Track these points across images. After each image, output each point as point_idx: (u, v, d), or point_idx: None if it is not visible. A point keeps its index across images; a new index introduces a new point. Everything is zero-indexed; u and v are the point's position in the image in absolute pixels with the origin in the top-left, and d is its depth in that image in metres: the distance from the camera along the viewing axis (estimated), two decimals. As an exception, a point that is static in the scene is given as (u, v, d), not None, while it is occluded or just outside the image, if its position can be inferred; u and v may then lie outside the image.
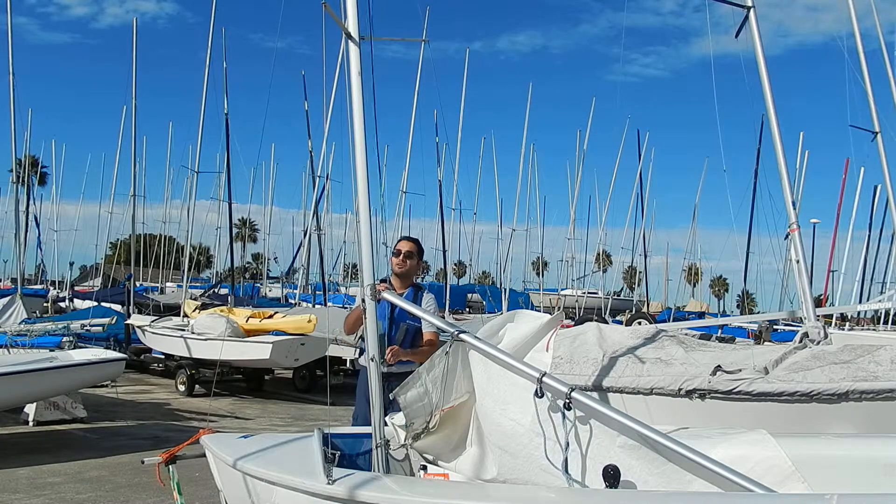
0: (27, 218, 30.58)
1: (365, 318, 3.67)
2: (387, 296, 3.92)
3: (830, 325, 17.65)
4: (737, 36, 5.89)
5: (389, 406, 3.94)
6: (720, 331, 12.01)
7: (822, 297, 29.69)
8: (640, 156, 35.64)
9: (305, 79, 26.01)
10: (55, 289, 30.96)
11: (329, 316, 14.65)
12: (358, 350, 5.45)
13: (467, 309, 37.60)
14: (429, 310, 5.26)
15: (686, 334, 4.90)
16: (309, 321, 13.00)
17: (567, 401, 3.19)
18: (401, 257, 5.35)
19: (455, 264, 58.73)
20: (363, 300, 3.66)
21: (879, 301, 19.21)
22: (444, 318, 4.93)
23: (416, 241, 5.51)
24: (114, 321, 13.73)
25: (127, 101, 21.77)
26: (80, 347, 10.36)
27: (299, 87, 25.50)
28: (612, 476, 3.01)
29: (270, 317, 13.91)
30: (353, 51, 3.62)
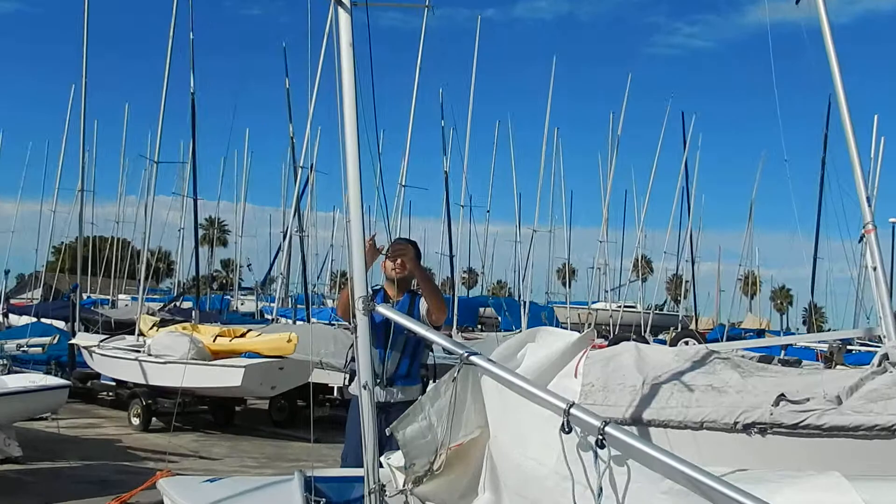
0: (-48, 218, 30.86)
1: (355, 337, 3.66)
2: (382, 309, 3.92)
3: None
4: (797, 1, 5.87)
5: (386, 443, 3.92)
6: (783, 352, 11.98)
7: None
8: (685, 143, 35.71)
9: (287, 52, 26.08)
10: (-14, 302, 31.16)
11: (313, 334, 14.66)
12: (348, 375, 5.46)
13: (479, 326, 37.60)
14: (426, 311, 5.37)
15: (742, 356, 4.87)
16: (289, 341, 13.02)
17: (600, 437, 3.17)
18: (397, 262, 5.40)
19: (464, 272, 58.95)
20: (353, 315, 3.66)
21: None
22: (450, 336, 4.94)
23: (413, 244, 5.57)
24: (56, 340, 13.76)
25: (76, 80, 21.98)
26: (15, 372, 10.36)
27: (279, 62, 25.55)
28: (654, 528, 2.98)
29: (243, 335, 13.93)
30: (344, 18, 3.61)
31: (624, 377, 4.51)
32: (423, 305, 5.38)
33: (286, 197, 40.55)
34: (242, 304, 39.30)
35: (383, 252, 5.21)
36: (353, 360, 5.02)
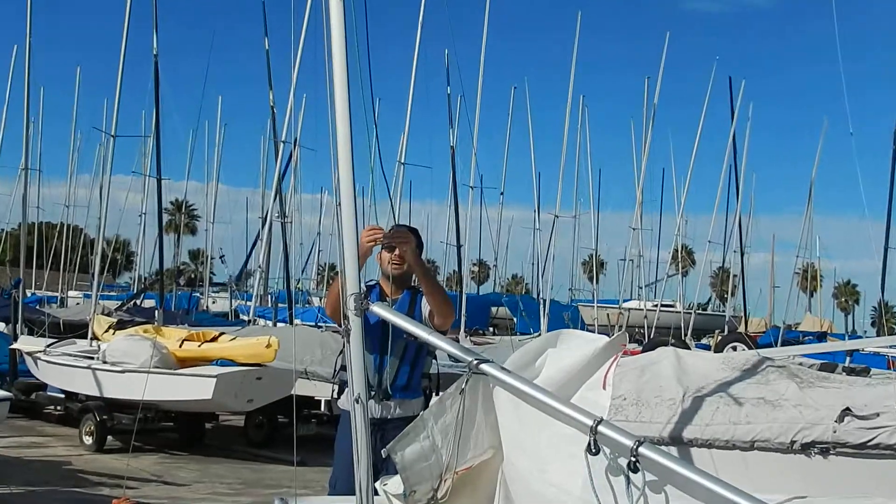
0: None
1: (346, 341, 3.67)
2: (377, 309, 3.93)
3: None
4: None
5: (382, 467, 3.94)
6: (849, 359, 11.97)
7: None
8: (732, 113, 35.55)
9: (266, 7, 26.08)
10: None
11: (297, 338, 14.68)
12: (337, 386, 5.49)
13: (491, 328, 37.60)
14: (424, 308, 5.40)
15: (801, 364, 4.87)
16: (268, 346, 13.03)
17: (633, 459, 3.19)
18: (396, 253, 5.41)
19: (474, 265, 58.84)
20: (344, 316, 3.67)
21: None
22: (457, 341, 4.95)
23: (414, 232, 5.57)
24: (-6, 346, 13.82)
25: (18, 40, 22.01)
26: (-52, 383, 10.41)
27: (257, 21, 25.54)
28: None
29: (214, 339, 13.96)
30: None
31: (661, 389, 4.52)
32: (425, 305, 5.39)
33: (265, 177, 40.53)
34: (214, 302, 39.34)
35: (379, 241, 5.20)
36: (343, 368, 5.00)
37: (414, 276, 5.61)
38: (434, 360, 5.58)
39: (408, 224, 6.03)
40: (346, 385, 4.61)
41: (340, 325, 3.76)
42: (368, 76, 3.76)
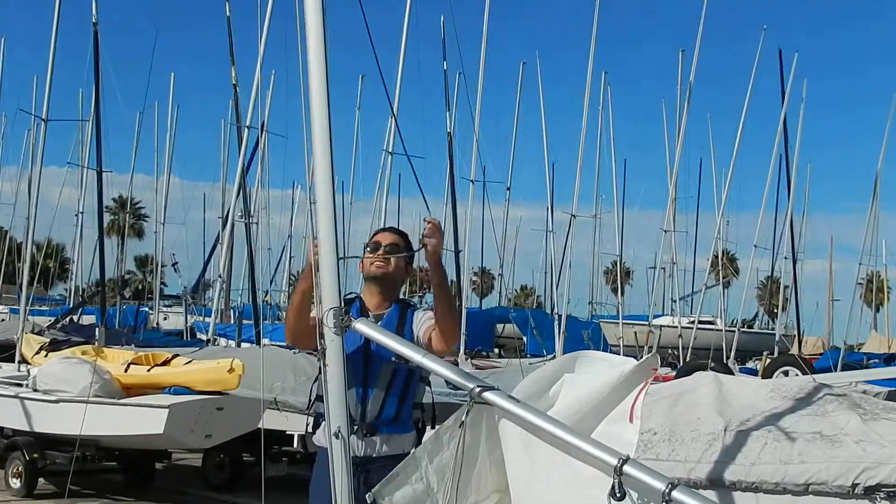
0: None
1: (323, 366, 3.66)
2: (361, 327, 3.92)
3: None
4: None
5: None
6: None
7: None
8: (783, 93, 35.60)
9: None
10: None
11: (266, 361, 14.66)
12: (313, 419, 5.49)
13: (497, 350, 37.68)
14: (421, 327, 5.39)
15: (864, 392, 4.87)
16: (231, 370, 13.02)
17: (665, 504, 3.18)
18: (380, 251, 5.45)
19: (475, 274, 59.00)
20: (321, 335, 3.67)
21: None
22: (456, 364, 4.95)
23: (403, 235, 5.66)
24: None
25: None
26: None
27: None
28: None
29: (166, 363, 13.94)
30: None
31: (698, 422, 4.51)
32: (418, 322, 5.38)
33: (227, 169, 40.74)
34: (166, 318, 39.40)
35: (367, 248, 5.22)
36: (319, 398, 5.00)
37: (402, 286, 5.62)
38: (428, 388, 5.57)
39: (395, 227, 6.03)
40: (323, 417, 4.59)
41: (317, 348, 3.75)
42: (341, 50, 3.74)
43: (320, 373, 4.73)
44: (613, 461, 3.29)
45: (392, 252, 5.49)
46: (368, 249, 5.57)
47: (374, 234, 5.66)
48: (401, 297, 5.69)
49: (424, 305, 5.85)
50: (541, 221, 38.82)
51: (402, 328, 5.36)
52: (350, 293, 5.38)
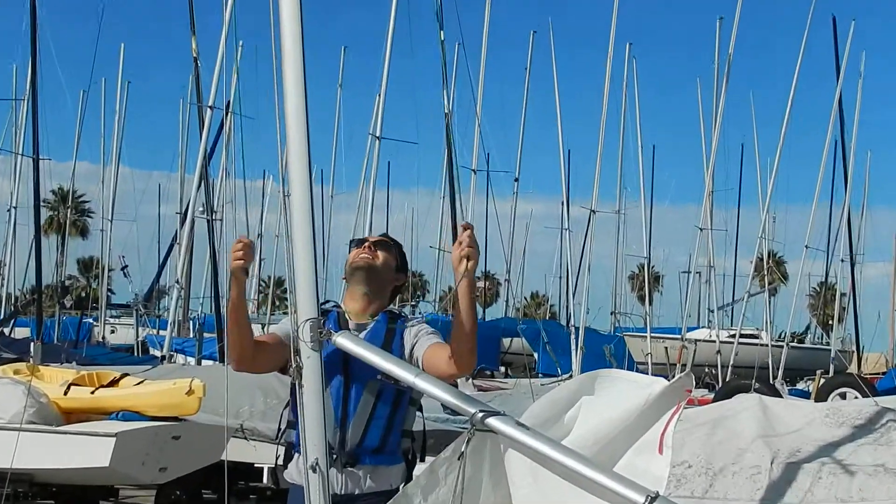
0: None
1: (299, 387, 3.68)
2: (341, 340, 3.95)
3: None
4: None
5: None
6: None
7: None
8: (837, 66, 35.50)
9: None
10: None
11: (231, 382, 14.68)
12: (284, 449, 5.52)
13: (503, 368, 37.58)
14: (427, 332, 5.39)
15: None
16: (189, 392, 13.02)
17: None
18: (365, 247, 5.54)
19: (478, 279, 58.13)
20: (296, 350, 3.70)
21: None
22: (455, 385, 4.95)
23: (398, 246, 5.74)
24: None
25: None
26: None
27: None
28: None
29: (114, 383, 13.95)
30: None
31: (740, 453, 4.54)
32: (412, 337, 5.38)
33: (186, 156, 40.71)
34: (113, 331, 39.44)
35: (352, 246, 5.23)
36: (292, 424, 5.02)
37: (390, 293, 5.63)
38: (419, 413, 5.59)
39: (387, 234, 6.04)
40: (297, 448, 4.59)
41: (289, 368, 3.77)
42: (318, 16, 3.77)
43: (292, 395, 4.77)
44: (640, 499, 3.31)
45: (381, 247, 5.54)
46: (352, 243, 5.63)
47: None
48: (390, 307, 5.69)
49: (418, 318, 5.83)
50: (555, 218, 38.85)
51: (390, 343, 5.36)
52: (327, 301, 5.40)
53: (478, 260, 4.89)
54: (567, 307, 39.11)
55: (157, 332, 30.41)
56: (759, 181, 40.86)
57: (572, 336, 30.77)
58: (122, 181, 44.92)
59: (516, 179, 39.61)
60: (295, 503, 5.17)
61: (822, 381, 28.66)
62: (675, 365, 32.73)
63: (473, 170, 31.21)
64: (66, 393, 13.54)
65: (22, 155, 23.87)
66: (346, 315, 5.43)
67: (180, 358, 24.08)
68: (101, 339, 35.13)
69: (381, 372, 4.67)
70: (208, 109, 23.36)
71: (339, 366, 5.10)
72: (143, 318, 32.56)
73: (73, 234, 67.32)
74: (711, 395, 22.67)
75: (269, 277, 49.34)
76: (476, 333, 5.16)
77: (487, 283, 58.63)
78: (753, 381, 25.45)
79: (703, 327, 42.23)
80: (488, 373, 31.95)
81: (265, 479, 14.26)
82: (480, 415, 3.61)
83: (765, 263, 40.87)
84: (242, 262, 4.83)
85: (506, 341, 38.32)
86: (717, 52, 36.65)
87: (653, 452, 4.44)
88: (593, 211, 34.38)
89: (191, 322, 31.29)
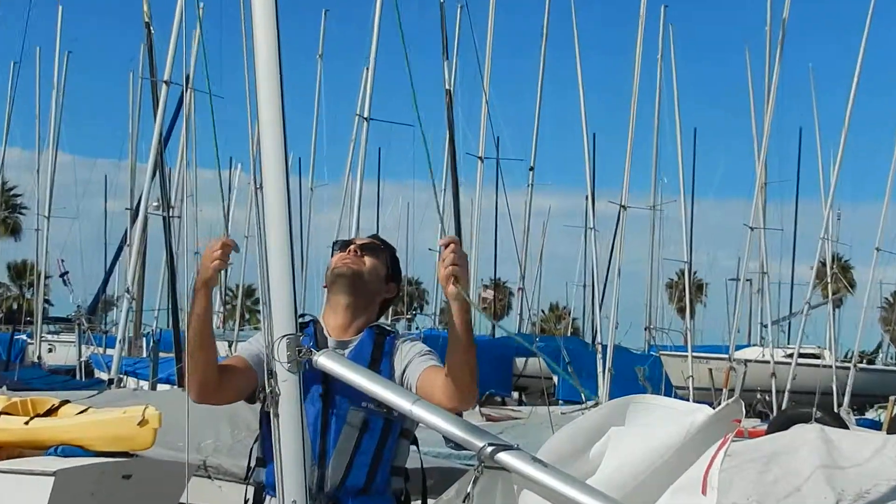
0: None
1: (273, 416, 3.67)
2: (325, 360, 3.94)
3: None
4: None
5: None
6: None
7: None
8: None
9: None
10: None
11: (191, 409, 14.67)
12: (254, 489, 5.51)
13: (516, 393, 37.64)
14: (423, 353, 5.38)
15: None
16: (142, 422, 13.03)
17: None
18: (350, 250, 5.51)
19: (486, 287, 58.64)
20: (270, 373, 3.68)
21: None
22: (460, 414, 4.94)
23: (388, 247, 5.75)
24: None
25: None
26: None
27: None
28: None
29: (52, 412, 13.98)
30: None
31: (798, 493, 4.54)
32: (403, 357, 5.35)
33: (136, 141, 40.82)
34: (51, 350, 39.52)
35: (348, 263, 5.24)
36: (263, 459, 5.06)
37: (379, 308, 5.62)
38: (416, 448, 5.58)
39: (377, 235, 6.04)
40: (269, 489, 4.59)
41: (259, 395, 3.77)
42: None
43: (262, 426, 4.76)
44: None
45: (368, 251, 5.52)
46: (336, 248, 5.60)
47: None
48: (379, 322, 5.67)
49: (412, 334, 5.83)
50: (577, 215, 39.09)
51: (377, 364, 5.34)
52: (303, 315, 5.36)
53: (468, 277, 4.88)
54: (592, 321, 39.18)
55: (104, 351, 30.39)
56: (821, 171, 41.10)
57: (599, 355, 30.83)
58: (62, 171, 45.20)
59: (531, 169, 39.85)
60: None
61: (896, 409, 28.76)
62: (722, 390, 32.82)
63: (480, 157, 31.24)
64: (-5, 423, 13.59)
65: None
66: (325, 331, 5.41)
67: (131, 382, 24.13)
68: (36, 360, 35.18)
69: (366, 398, 4.66)
70: (164, 85, 23.44)
71: (318, 391, 5.09)
72: (87, 335, 32.61)
73: (3, 234, 67.53)
74: (764, 426, 22.72)
75: (238, 286, 49.49)
76: (475, 363, 5.11)
77: (497, 292, 58.58)
78: (814, 409, 25.45)
79: (754, 345, 42.38)
80: (499, 399, 32.14)
81: (233, 524, 14.29)
82: (490, 449, 3.61)
83: (828, 269, 40.81)
84: (220, 264, 4.79)
85: (519, 362, 38.49)
86: (769, 14, 36.79)
87: (695, 494, 4.44)
88: (624, 206, 34.34)
89: (144, 339, 31.37)
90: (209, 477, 13.58)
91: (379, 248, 5.62)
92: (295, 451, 3.68)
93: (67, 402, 14.58)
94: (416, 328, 45.48)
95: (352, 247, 5.52)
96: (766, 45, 36.62)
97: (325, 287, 5.67)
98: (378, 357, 5.34)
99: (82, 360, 30.72)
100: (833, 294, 43.49)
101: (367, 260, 5.50)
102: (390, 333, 5.52)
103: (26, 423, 13.61)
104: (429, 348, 5.43)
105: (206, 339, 5.03)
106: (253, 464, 5.41)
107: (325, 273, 5.63)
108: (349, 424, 5.23)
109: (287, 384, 3.66)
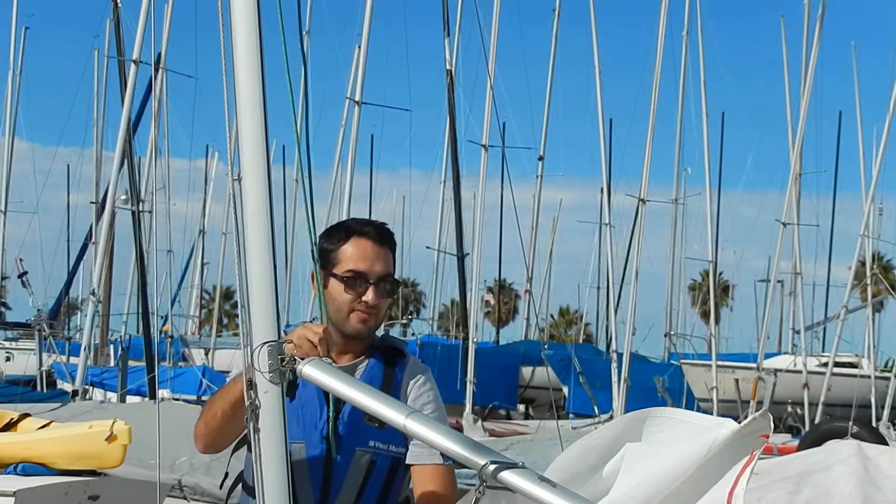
0: None
1: (252, 433, 3.67)
2: (310, 370, 3.92)
3: None
4: None
5: None
6: None
7: None
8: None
9: None
10: None
11: (163, 424, 14.70)
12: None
13: (522, 406, 37.66)
14: (428, 412, 5.25)
15: None
16: (110, 438, 13.06)
17: None
18: (369, 293, 5.31)
19: (489, 289, 58.68)
20: (249, 383, 3.70)
21: None
22: (460, 430, 4.92)
23: (393, 244, 5.44)
24: None
25: None
26: None
27: None
28: None
29: (10, 426, 14.00)
30: None
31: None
32: (415, 387, 5.27)
33: (102, 127, 40.83)
34: (9, 358, 39.58)
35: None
36: (242, 482, 5.10)
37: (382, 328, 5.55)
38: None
39: (373, 219, 5.91)
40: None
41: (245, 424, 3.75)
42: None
43: (239, 446, 4.76)
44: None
45: (389, 291, 5.25)
46: (345, 280, 5.21)
47: (347, 237, 5.30)
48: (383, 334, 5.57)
49: (425, 369, 5.62)
50: (591, 209, 39.08)
51: (389, 387, 5.22)
52: (288, 325, 5.22)
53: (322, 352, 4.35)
54: (607, 327, 39.15)
55: (67, 360, 30.47)
56: (863, 161, 41.03)
57: (613, 365, 30.83)
58: (19, 160, 45.22)
59: (541, 158, 39.88)
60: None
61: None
62: (749, 402, 32.86)
63: (484, 145, 31.11)
64: (-52, 439, 13.62)
65: None
66: None
67: (98, 393, 24.15)
68: (-5, 373, 35.31)
69: (372, 436, 4.65)
70: (132, 65, 23.42)
71: (321, 433, 5.03)
72: (49, 342, 32.61)
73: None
74: (796, 442, 22.75)
75: (214, 287, 49.45)
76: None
77: (501, 296, 58.65)
78: (851, 423, 25.52)
79: (785, 353, 42.36)
80: (503, 412, 32.15)
81: (209, 553, 14.32)
82: (492, 467, 3.61)
83: (868, 269, 40.88)
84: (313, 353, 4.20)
85: (526, 372, 38.49)
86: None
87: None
88: (643, 200, 34.36)
89: (111, 346, 31.40)
90: (185, 498, 13.61)
91: (395, 278, 5.36)
92: (278, 473, 3.68)
93: (28, 415, 14.62)
94: (413, 335, 45.43)
95: (369, 293, 5.15)
96: (805, 17, 36.78)
97: (314, 295, 5.37)
98: (388, 383, 5.19)
99: (43, 369, 30.68)
100: (873, 297, 43.65)
101: (384, 302, 5.26)
102: (402, 355, 5.36)
103: (-17, 438, 13.66)
104: (439, 402, 5.33)
105: (238, 417, 4.44)
106: (230, 482, 5.39)
107: (313, 280, 5.16)
108: (354, 467, 5.17)
109: (268, 396, 3.64)
